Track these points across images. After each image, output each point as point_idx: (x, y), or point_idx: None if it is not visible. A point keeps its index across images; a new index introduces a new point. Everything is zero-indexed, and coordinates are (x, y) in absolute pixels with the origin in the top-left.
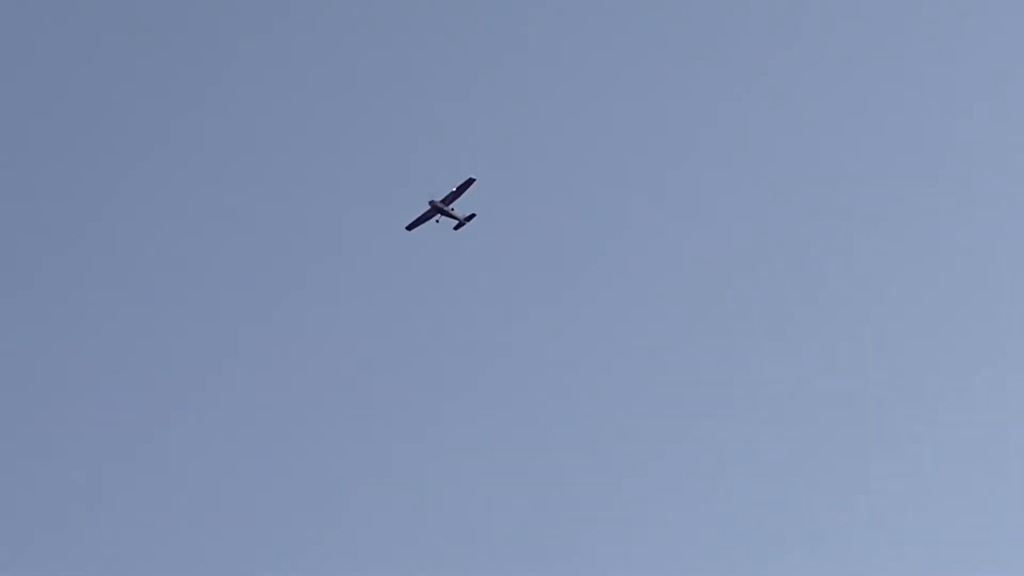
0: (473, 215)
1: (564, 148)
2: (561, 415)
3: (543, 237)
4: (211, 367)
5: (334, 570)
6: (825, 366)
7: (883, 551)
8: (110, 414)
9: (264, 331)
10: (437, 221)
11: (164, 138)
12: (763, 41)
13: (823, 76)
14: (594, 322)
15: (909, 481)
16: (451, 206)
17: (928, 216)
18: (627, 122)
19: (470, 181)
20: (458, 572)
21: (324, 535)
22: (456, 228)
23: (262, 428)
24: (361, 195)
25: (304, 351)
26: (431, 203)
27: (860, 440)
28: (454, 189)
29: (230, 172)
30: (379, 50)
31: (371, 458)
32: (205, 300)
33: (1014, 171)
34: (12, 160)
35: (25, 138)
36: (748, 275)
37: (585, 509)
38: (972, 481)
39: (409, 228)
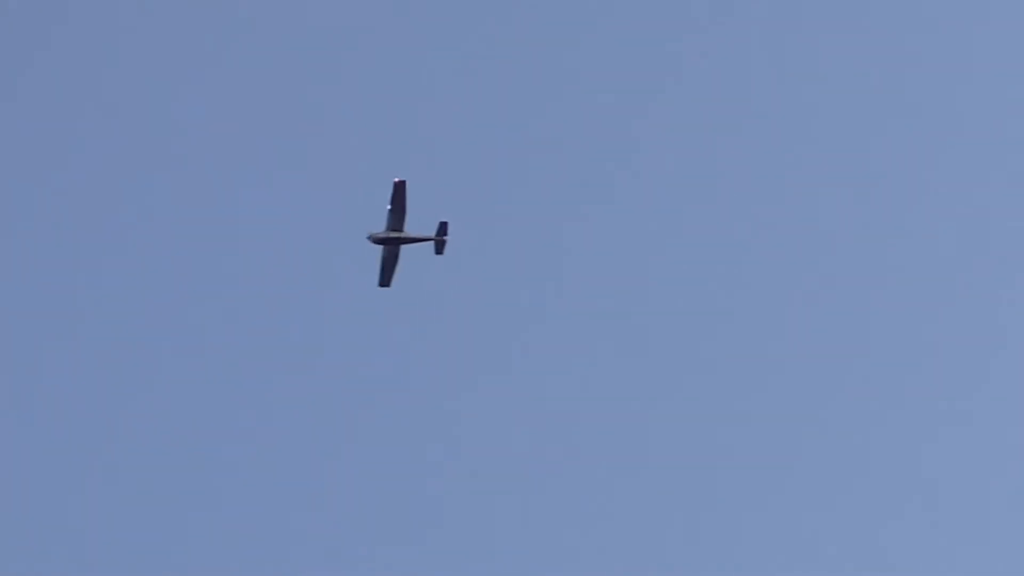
0: (445, 224)
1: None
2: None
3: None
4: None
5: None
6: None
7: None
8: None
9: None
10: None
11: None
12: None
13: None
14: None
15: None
16: (404, 229)
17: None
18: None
19: (399, 185)
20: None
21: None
22: (438, 252)
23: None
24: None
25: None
26: (373, 239)
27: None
28: (389, 206)
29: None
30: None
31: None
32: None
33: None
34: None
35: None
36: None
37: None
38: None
39: (383, 284)
